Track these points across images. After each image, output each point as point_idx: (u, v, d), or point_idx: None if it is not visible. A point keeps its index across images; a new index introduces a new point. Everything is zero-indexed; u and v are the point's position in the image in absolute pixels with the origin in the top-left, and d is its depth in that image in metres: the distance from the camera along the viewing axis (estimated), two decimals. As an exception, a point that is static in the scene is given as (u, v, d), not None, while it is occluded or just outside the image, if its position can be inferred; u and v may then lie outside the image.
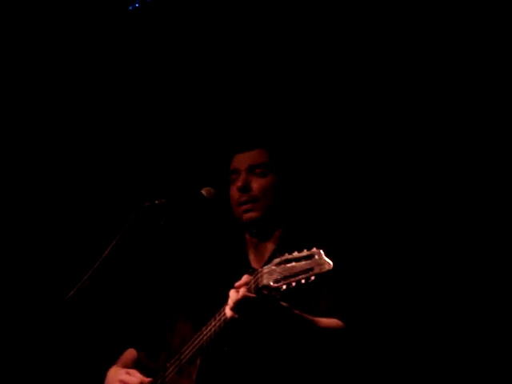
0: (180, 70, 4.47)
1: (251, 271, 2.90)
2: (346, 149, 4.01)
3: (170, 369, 3.10)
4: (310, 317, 2.88)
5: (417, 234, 3.82)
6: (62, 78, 4.62)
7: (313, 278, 2.56)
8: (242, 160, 3.25)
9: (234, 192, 3.22)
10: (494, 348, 3.65)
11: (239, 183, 3.18)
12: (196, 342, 2.98)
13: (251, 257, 3.26)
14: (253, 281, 2.70)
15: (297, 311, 2.83)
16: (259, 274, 2.66)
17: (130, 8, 4.63)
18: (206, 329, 2.93)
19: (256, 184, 3.18)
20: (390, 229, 3.88)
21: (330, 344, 2.93)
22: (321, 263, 2.55)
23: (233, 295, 2.71)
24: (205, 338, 2.93)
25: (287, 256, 2.61)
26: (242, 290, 2.69)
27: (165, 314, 3.32)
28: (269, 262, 2.69)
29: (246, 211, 3.18)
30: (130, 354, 3.34)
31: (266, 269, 2.63)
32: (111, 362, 3.34)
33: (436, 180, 3.82)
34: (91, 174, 4.55)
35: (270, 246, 3.21)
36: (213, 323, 2.89)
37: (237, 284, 2.73)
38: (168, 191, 3.32)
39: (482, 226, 3.71)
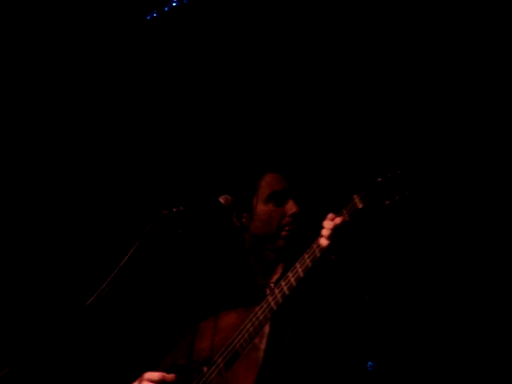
0: (200, 82, 4.50)
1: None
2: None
3: (213, 367, 3.10)
4: None
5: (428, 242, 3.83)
6: (84, 90, 4.67)
7: (407, 193, 2.73)
8: (280, 181, 3.25)
9: (277, 213, 3.22)
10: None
11: (295, 208, 3.18)
12: (258, 313, 2.99)
13: (255, 265, 3.27)
14: (345, 209, 2.84)
15: None
16: (353, 201, 2.81)
17: (148, 18, 4.65)
18: (272, 295, 2.95)
19: (295, 206, 3.20)
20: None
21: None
22: (413, 180, 2.72)
23: (328, 224, 2.83)
24: (274, 301, 2.95)
25: (379, 180, 2.77)
26: (339, 218, 2.83)
27: (184, 322, 3.32)
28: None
29: (291, 231, 3.19)
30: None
31: (356, 196, 2.80)
32: (128, 369, 3.33)
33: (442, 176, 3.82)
34: (110, 182, 4.57)
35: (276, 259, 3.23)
36: (284, 283, 2.93)
37: (329, 217, 2.85)
38: (186, 199, 3.32)
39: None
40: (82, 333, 4.05)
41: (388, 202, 2.75)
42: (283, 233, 3.21)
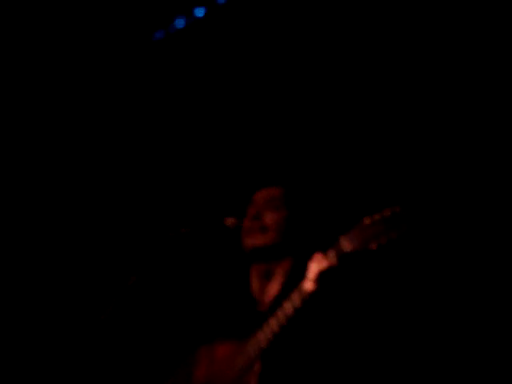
0: (207, 101, 4.52)
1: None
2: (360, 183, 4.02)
3: None
4: None
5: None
6: (90, 111, 4.70)
7: (397, 234, 2.65)
8: (260, 195, 3.26)
9: (246, 222, 3.21)
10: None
11: (253, 211, 3.19)
12: (250, 349, 2.95)
13: (255, 288, 3.22)
14: (332, 252, 2.78)
15: None
16: (339, 244, 2.75)
17: (154, 39, 4.68)
18: (263, 331, 2.91)
19: (269, 215, 3.18)
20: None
21: None
22: (401, 221, 2.65)
23: (314, 267, 2.79)
24: (264, 338, 2.90)
25: (365, 221, 2.70)
26: (325, 261, 2.77)
27: (187, 346, 3.31)
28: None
29: (253, 238, 3.15)
30: None
31: (343, 238, 2.74)
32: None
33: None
34: (118, 203, 4.59)
35: (278, 278, 3.16)
36: (272, 321, 2.88)
37: (315, 259, 2.80)
38: (191, 221, 3.33)
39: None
40: (83, 353, 4.07)
41: (375, 245, 2.70)
42: (246, 239, 3.17)
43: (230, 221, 3.19)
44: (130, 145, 4.66)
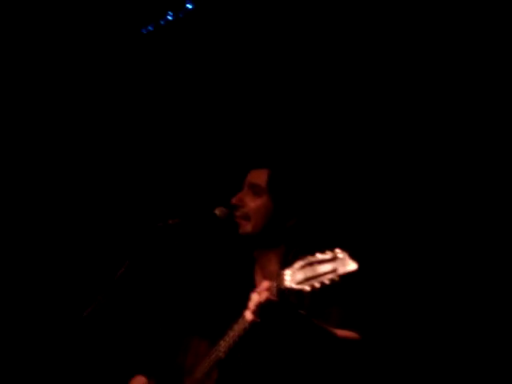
0: (196, 95, 4.54)
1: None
2: (350, 169, 4.03)
3: None
4: (326, 326, 2.91)
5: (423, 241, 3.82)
6: (80, 105, 4.71)
7: (337, 278, 2.58)
8: (248, 177, 3.28)
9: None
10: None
11: (235, 199, 3.22)
12: (213, 355, 3.02)
13: (257, 277, 3.26)
14: (275, 284, 2.74)
15: (314, 320, 2.87)
16: (280, 277, 2.69)
17: (144, 31, 4.70)
18: (224, 341, 2.96)
19: (250, 202, 3.21)
20: (394, 244, 3.88)
21: (346, 354, 2.95)
22: (345, 264, 2.57)
23: (255, 298, 2.76)
24: (222, 349, 2.96)
25: (310, 259, 2.63)
26: (265, 293, 2.74)
27: (177, 335, 3.34)
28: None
29: (240, 226, 3.21)
30: (139, 381, 3.36)
31: (287, 271, 2.67)
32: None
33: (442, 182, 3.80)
34: (107, 194, 4.61)
35: (273, 265, 3.20)
36: (231, 334, 2.92)
37: (258, 289, 2.78)
38: (181, 211, 3.35)
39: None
40: (80, 342, 4.10)
41: (317, 285, 2.61)
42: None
43: (219, 210, 3.21)
44: (120, 138, 4.68)
